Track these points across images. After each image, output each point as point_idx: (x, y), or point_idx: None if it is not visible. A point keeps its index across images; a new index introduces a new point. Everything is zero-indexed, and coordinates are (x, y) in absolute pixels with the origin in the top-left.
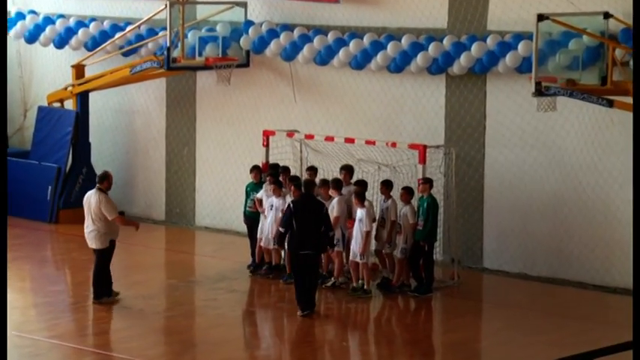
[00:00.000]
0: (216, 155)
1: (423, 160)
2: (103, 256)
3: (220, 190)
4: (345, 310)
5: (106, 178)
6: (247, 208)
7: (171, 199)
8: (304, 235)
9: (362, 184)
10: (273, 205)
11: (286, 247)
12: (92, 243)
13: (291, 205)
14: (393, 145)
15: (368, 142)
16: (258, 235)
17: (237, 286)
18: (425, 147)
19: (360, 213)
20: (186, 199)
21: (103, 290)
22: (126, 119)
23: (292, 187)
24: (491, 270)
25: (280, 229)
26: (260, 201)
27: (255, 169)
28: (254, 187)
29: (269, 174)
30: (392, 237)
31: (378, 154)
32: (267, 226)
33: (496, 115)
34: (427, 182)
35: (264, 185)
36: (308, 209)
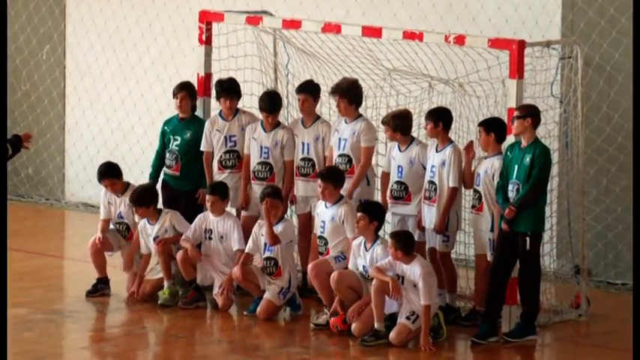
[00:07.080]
0: (106, 63)
1: (516, 71)
2: None
3: (112, 135)
4: None
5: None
6: (166, 169)
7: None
8: None
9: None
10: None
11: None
12: None
13: None
14: (459, 40)
15: (409, 36)
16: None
17: (148, 322)
18: (522, 44)
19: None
20: (48, 149)
21: None
22: None
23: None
24: None
25: None
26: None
27: (183, 89)
28: (180, 127)
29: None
30: (448, 222)
31: (428, 59)
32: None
33: None
34: (529, 115)
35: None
36: None
